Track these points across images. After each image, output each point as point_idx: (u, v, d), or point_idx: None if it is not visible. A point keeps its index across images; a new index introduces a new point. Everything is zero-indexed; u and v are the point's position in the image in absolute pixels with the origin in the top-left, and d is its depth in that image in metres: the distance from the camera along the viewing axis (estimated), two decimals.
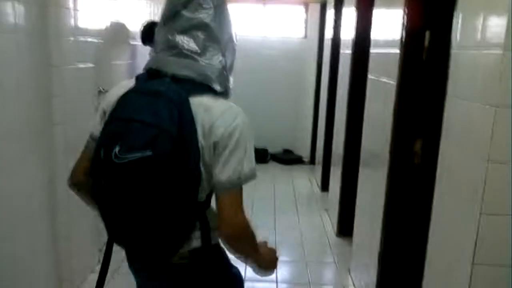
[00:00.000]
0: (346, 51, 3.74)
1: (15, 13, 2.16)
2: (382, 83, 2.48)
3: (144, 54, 4.02)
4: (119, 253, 1.52)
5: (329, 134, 4.49)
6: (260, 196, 4.68)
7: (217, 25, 1.27)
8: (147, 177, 1.15)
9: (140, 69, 3.82)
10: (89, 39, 2.84)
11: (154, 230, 1.23)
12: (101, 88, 3.23)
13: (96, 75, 3.00)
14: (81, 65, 2.73)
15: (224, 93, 1.30)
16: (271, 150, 6.24)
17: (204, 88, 1.25)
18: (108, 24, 3.33)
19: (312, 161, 5.94)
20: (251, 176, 1.25)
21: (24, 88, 2.26)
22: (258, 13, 6.12)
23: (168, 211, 1.20)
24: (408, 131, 2.19)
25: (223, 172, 1.21)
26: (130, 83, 1.32)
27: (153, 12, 4.50)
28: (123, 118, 1.20)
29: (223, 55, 1.29)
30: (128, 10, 3.79)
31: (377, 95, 2.65)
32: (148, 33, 3.96)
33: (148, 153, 1.12)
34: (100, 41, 3.06)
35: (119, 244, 1.38)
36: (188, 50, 1.25)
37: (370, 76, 2.82)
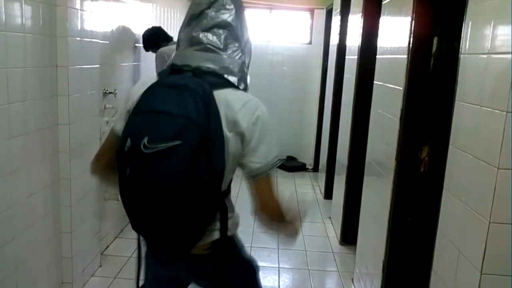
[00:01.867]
0: (351, 57, 3.73)
1: (22, 13, 2.17)
2: (389, 89, 2.46)
3: (149, 57, 4.03)
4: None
5: (333, 141, 4.47)
6: None
7: (238, 25, 1.37)
8: (176, 165, 1.19)
9: (145, 71, 3.86)
10: (95, 40, 2.84)
11: (177, 220, 1.26)
12: (106, 89, 3.23)
13: (101, 76, 2.99)
14: (87, 66, 2.73)
15: (244, 88, 1.38)
16: None
17: (225, 82, 1.32)
18: (114, 26, 3.33)
19: (316, 168, 5.91)
20: (278, 162, 1.33)
21: (30, 88, 2.26)
22: (264, 19, 6.13)
23: (193, 200, 1.23)
24: (415, 138, 2.17)
25: (254, 161, 1.29)
26: (151, 80, 1.36)
27: (158, 16, 4.51)
28: (150, 110, 1.24)
29: (243, 53, 1.39)
30: (133, 13, 3.79)
31: (384, 101, 2.63)
32: (152, 39, 3.97)
33: (177, 142, 1.18)
34: (105, 42, 3.05)
35: (141, 234, 1.40)
36: (211, 45, 1.33)
37: (376, 82, 2.80)
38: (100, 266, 3.10)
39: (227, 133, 1.26)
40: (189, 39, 1.36)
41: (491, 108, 1.44)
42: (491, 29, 1.48)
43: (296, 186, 5.40)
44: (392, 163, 2.28)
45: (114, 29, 3.33)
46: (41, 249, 2.46)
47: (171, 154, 1.18)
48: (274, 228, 1.41)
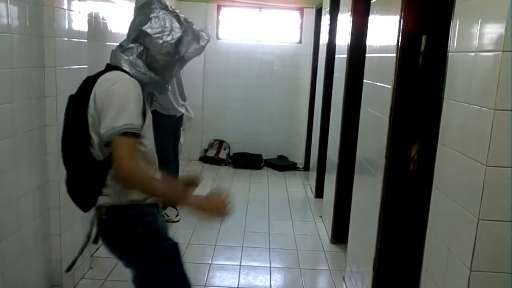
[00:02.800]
0: (341, 56, 3.74)
1: (8, 13, 2.14)
2: (378, 88, 2.47)
3: None
4: None
5: (323, 140, 4.47)
6: (254, 203, 4.65)
7: (133, 24, 1.70)
8: (63, 130, 1.69)
9: None
10: (83, 41, 2.81)
11: (72, 177, 1.69)
12: None
13: None
14: (75, 66, 2.70)
15: (131, 74, 1.63)
16: (265, 156, 6.22)
17: (115, 68, 1.66)
18: (103, 26, 3.30)
19: (307, 167, 5.92)
20: (125, 129, 1.50)
21: (17, 89, 2.24)
22: (253, 18, 6.13)
23: (72, 157, 1.65)
24: (404, 136, 2.18)
25: (102, 126, 1.54)
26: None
27: None
28: None
29: (140, 46, 1.66)
30: (122, 13, 3.77)
31: (373, 99, 2.64)
32: None
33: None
34: (94, 43, 3.03)
35: None
36: (118, 45, 1.73)
37: (365, 81, 2.81)
38: (90, 268, 3.07)
39: (91, 102, 1.58)
40: None
41: (479, 106, 1.45)
42: (479, 27, 1.49)
43: (287, 185, 5.40)
44: (382, 161, 2.29)
45: (102, 29, 3.30)
46: (30, 251, 2.43)
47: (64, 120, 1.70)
48: (143, 191, 1.60)
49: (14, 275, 2.30)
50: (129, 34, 1.70)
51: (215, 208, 1.60)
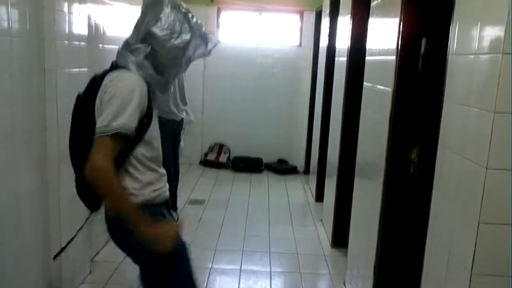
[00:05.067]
0: (341, 59, 3.74)
1: (9, 16, 2.14)
2: (378, 91, 2.46)
3: None
4: None
5: (324, 143, 4.47)
6: (254, 206, 4.64)
7: (142, 23, 1.63)
8: (71, 132, 1.68)
9: None
10: (83, 44, 2.81)
11: (81, 177, 1.57)
12: None
13: None
14: (75, 70, 2.70)
15: (137, 72, 1.61)
16: (265, 159, 6.21)
17: (120, 67, 1.63)
18: (103, 29, 3.31)
19: (307, 170, 5.91)
20: (120, 129, 1.49)
21: (16, 92, 2.23)
22: (253, 22, 6.14)
23: (81, 160, 1.53)
24: (404, 139, 2.17)
25: (97, 120, 1.52)
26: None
27: None
28: None
29: (148, 47, 1.61)
30: (122, 16, 3.77)
31: (373, 103, 2.64)
32: None
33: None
34: (94, 45, 3.03)
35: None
36: (125, 42, 1.68)
37: (365, 84, 2.80)
38: (90, 272, 3.06)
39: (98, 102, 1.58)
40: None
41: (479, 109, 1.44)
42: (478, 30, 1.49)
43: (288, 189, 5.40)
44: (382, 165, 2.29)
45: (102, 32, 3.30)
46: (29, 255, 2.43)
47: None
48: (101, 195, 1.57)
49: (14, 278, 2.29)
50: (136, 32, 1.65)
51: (159, 239, 1.59)
